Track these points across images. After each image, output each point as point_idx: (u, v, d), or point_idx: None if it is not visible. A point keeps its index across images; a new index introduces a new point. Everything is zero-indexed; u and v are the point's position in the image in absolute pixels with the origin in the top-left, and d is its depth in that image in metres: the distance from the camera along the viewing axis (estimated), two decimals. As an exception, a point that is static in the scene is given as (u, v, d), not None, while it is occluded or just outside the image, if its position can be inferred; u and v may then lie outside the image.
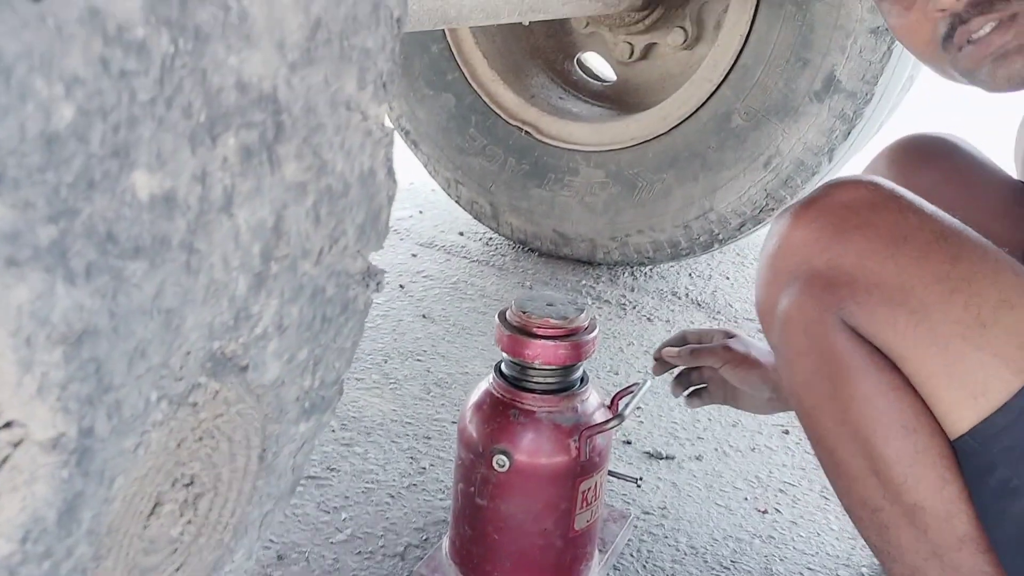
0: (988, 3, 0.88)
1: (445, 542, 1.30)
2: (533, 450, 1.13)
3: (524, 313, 1.12)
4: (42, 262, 0.40)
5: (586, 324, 1.15)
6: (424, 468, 1.59)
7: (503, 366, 1.18)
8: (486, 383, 1.19)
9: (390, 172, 0.61)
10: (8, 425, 0.43)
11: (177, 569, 0.63)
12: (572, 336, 1.12)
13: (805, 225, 0.91)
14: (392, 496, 1.50)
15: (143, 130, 0.42)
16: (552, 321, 1.11)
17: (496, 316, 1.16)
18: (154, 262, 0.45)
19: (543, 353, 1.11)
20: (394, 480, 1.54)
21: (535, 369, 1.13)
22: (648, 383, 1.27)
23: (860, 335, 0.87)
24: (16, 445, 0.43)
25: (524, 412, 1.13)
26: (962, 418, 0.83)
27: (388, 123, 0.61)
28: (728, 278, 2.62)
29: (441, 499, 1.51)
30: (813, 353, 0.89)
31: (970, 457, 0.83)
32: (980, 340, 0.81)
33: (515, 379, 1.16)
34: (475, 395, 1.20)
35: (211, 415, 0.55)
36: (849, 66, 2.13)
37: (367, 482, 1.53)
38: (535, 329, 1.11)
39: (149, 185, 0.43)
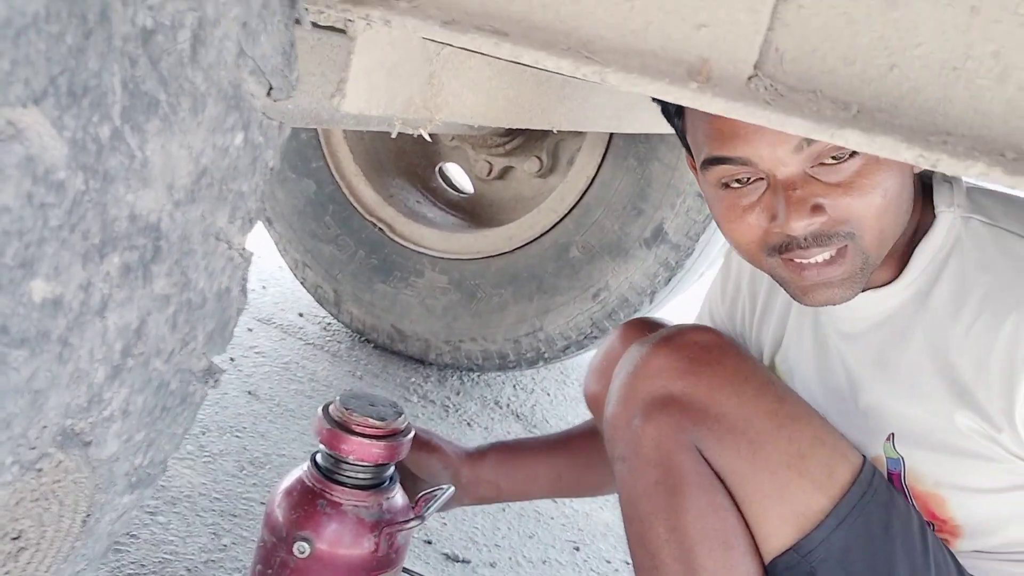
0: (827, 237, 0.89)
1: None
2: (334, 540, 1.22)
3: (346, 410, 1.22)
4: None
5: (402, 427, 1.26)
6: (225, 545, 1.63)
7: (319, 456, 1.27)
8: (299, 470, 1.27)
9: (243, 290, 0.72)
10: None
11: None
12: (388, 438, 1.22)
13: (665, 356, 1.07)
14: (188, 570, 1.53)
15: (48, 248, 0.52)
16: (371, 421, 1.22)
17: (320, 408, 1.25)
18: (34, 351, 0.54)
19: (358, 450, 1.21)
20: (193, 554, 1.57)
21: (348, 464, 1.23)
22: (452, 488, 1.38)
23: (703, 457, 1.03)
24: None
25: (332, 503, 1.22)
26: (787, 534, 1.00)
27: (248, 248, 0.73)
28: (549, 394, 2.81)
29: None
30: (660, 466, 1.04)
31: (793, 568, 1.01)
32: (801, 467, 0.99)
33: (328, 470, 1.24)
34: (287, 480, 1.27)
35: (51, 480, 0.63)
36: (676, 221, 2.41)
37: (165, 553, 1.55)
38: (354, 426, 1.21)
39: (43, 291, 0.53)
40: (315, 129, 2.66)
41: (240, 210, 0.69)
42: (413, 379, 2.60)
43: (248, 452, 1.95)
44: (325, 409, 1.25)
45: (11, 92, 0.47)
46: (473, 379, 2.73)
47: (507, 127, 2.58)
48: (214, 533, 1.65)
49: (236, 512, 1.73)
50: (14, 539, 0.65)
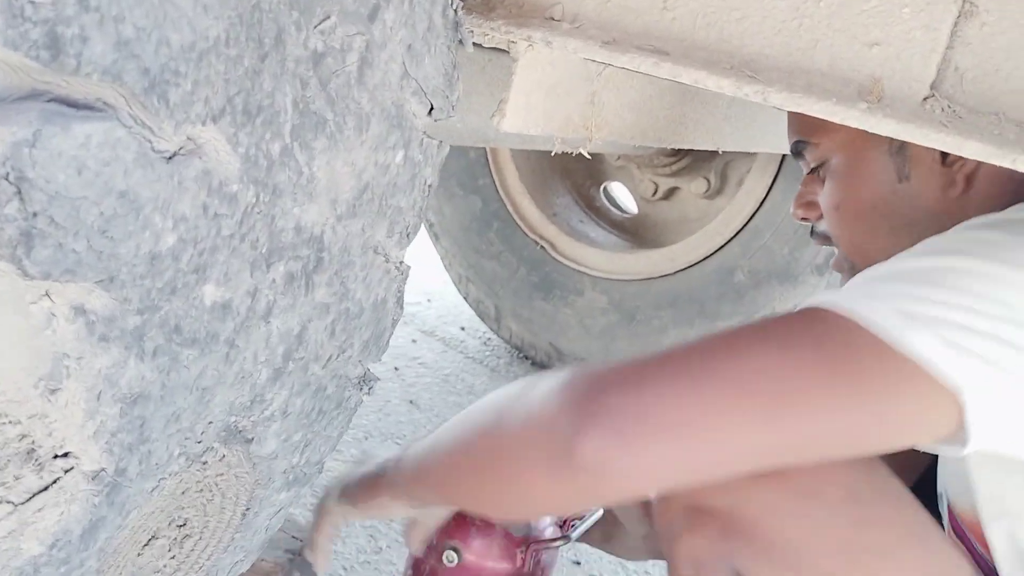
0: (821, 235, 0.93)
1: None
2: (482, 552, 1.23)
3: None
4: (124, 341, 0.53)
5: None
6: (381, 548, 1.68)
7: None
8: None
9: (399, 302, 0.75)
10: (66, 455, 0.55)
11: (155, 594, 0.74)
12: None
13: None
14: (345, 569, 1.59)
15: (220, 256, 0.56)
16: None
17: None
18: (203, 351, 0.58)
19: None
20: (350, 554, 1.64)
21: None
22: (600, 510, 1.37)
23: None
24: (67, 471, 0.56)
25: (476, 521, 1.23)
26: None
27: (404, 262, 0.75)
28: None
29: (389, 578, 1.60)
30: None
31: None
32: None
33: None
34: None
35: (214, 473, 0.67)
36: (848, 248, 2.29)
37: (326, 551, 1.62)
38: None
39: (214, 295, 0.57)
40: (484, 149, 2.73)
41: (398, 225, 0.71)
42: (569, 398, 2.60)
43: (406, 459, 2.01)
44: None
45: (192, 110, 0.51)
46: (629, 401, 2.69)
47: (670, 147, 2.55)
48: (371, 536, 1.71)
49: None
50: (180, 526, 0.70)
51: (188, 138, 0.52)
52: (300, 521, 1.60)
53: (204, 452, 0.64)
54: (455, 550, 1.22)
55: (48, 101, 0.46)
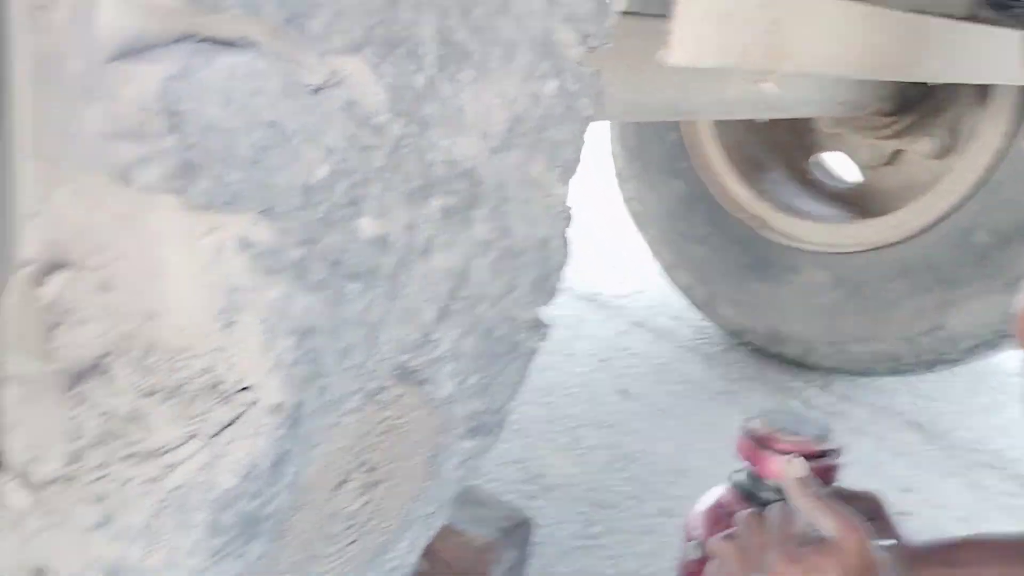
0: None
1: None
2: None
3: (777, 430, 1.11)
4: (289, 273, 0.56)
5: (835, 447, 1.13)
6: (595, 534, 1.67)
7: (739, 474, 1.17)
8: (722, 489, 1.20)
9: (564, 243, 0.73)
10: (248, 388, 0.59)
11: (350, 543, 0.77)
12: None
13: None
14: (560, 553, 1.59)
15: (373, 188, 0.57)
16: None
17: (742, 426, 1.15)
18: (366, 285, 0.60)
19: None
20: (564, 539, 1.63)
21: (769, 485, 1.11)
22: None
23: None
24: (250, 405, 0.59)
25: None
26: None
27: (567, 201, 0.73)
28: (956, 403, 2.48)
29: (608, 565, 1.58)
30: None
31: None
32: None
33: (747, 490, 1.14)
34: (709, 499, 1.20)
35: (394, 415, 0.69)
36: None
37: (539, 536, 1.63)
38: (778, 444, 1.09)
39: (371, 228, 0.58)
40: (679, 130, 2.66)
41: (557, 159, 0.69)
42: (793, 384, 2.46)
43: (620, 447, 1.99)
44: (750, 428, 1.18)
45: (333, 41, 0.53)
46: (861, 384, 2.51)
47: (863, 77, 2.33)
48: (586, 521, 1.70)
49: (607, 503, 1.77)
50: (369, 471, 0.72)
51: (331, 69, 0.53)
52: (510, 501, 1.62)
53: (379, 390, 0.65)
54: None
55: (197, 42, 0.49)
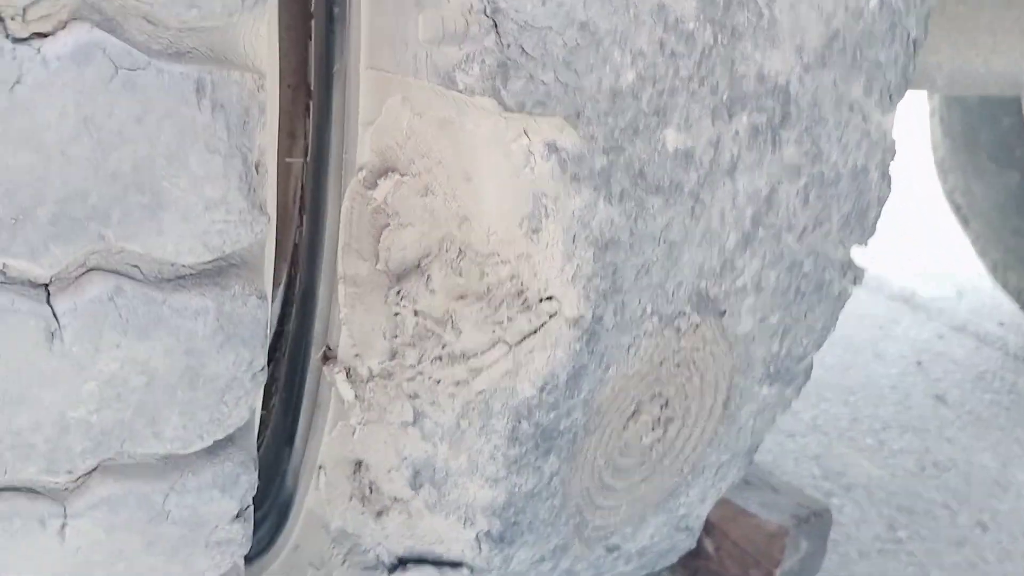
0: None
1: None
2: None
3: None
4: (593, 182, 0.56)
5: None
6: (901, 539, 1.53)
7: None
8: None
9: (884, 175, 0.68)
10: (550, 298, 0.60)
11: (642, 480, 0.77)
12: None
13: None
14: (860, 553, 1.48)
15: (679, 99, 0.57)
16: None
17: None
18: (668, 201, 0.59)
19: None
20: (866, 540, 1.52)
21: None
22: None
23: None
24: (551, 316, 0.61)
25: None
26: None
27: (892, 134, 0.67)
28: None
29: (912, 573, 1.44)
30: None
31: None
32: None
33: None
34: None
35: (690, 346, 0.67)
36: None
37: (836, 534, 1.52)
38: None
39: (675, 141, 0.58)
40: (1020, 113, 2.36)
41: (877, 81, 0.64)
42: None
43: (931, 454, 1.81)
44: None
45: (645, -55, 0.53)
46: None
47: None
48: (889, 525, 1.57)
49: (915, 509, 1.61)
50: (662, 406, 0.71)
51: (644, -28, 0.53)
52: (802, 489, 1.53)
53: (676, 315, 0.64)
54: None
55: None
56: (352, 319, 0.66)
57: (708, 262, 0.63)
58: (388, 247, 0.62)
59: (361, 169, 0.62)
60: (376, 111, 0.60)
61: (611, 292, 0.60)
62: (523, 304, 0.61)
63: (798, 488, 1.43)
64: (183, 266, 0.50)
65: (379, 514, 0.73)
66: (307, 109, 0.68)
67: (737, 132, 0.60)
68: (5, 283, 0.46)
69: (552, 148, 0.55)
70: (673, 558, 0.89)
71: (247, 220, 0.51)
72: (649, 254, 0.60)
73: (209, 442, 0.56)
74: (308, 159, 0.68)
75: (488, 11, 0.51)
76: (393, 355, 0.65)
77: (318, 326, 0.68)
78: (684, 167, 0.59)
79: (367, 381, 0.67)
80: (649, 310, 0.63)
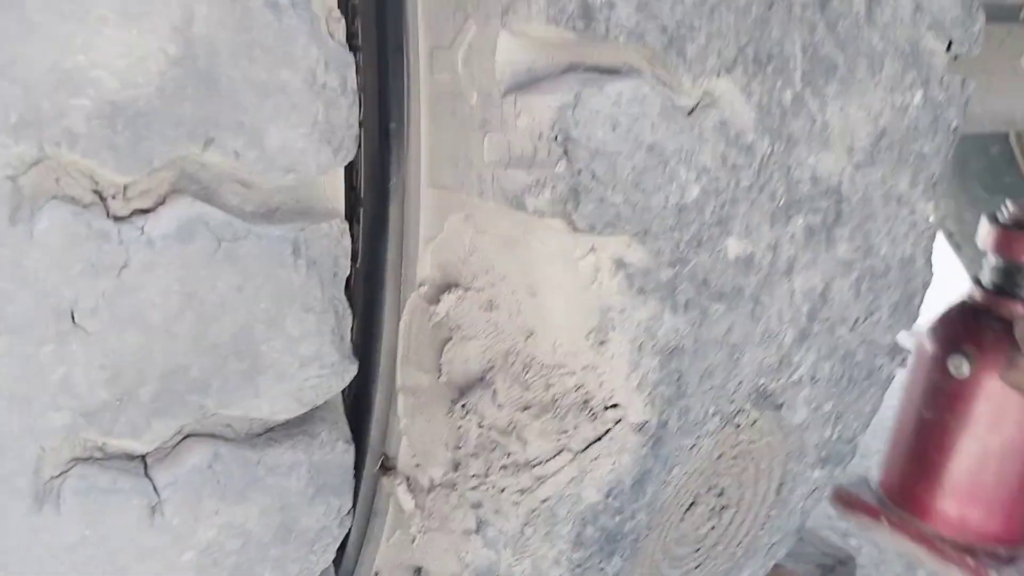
0: None
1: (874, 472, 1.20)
2: (1000, 361, 1.01)
3: None
4: (659, 293, 0.57)
5: None
6: (920, 578, 1.53)
7: (986, 272, 1.08)
8: (963, 294, 1.11)
9: (928, 261, 0.69)
10: (615, 406, 0.60)
11: (696, 567, 0.77)
12: None
13: None
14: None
15: (740, 208, 0.57)
16: None
17: (985, 216, 1.07)
18: (730, 306, 0.59)
19: None
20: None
21: None
22: None
23: None
24: (616, 422, 0.61)
25: (1000, 319, 1.02)
26: None
27: (932, 218, 0.69)
28: None
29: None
30: None
31: None
32: None
33: (998, 284, 1.04)
34: (945, 305, 1.11)
35: (747, 439, 0.67)
36: None
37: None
38: None
39: (737, 248, 0.58)
40: (1008, 144, 2.40)
41: (922, 173, 0.65)
42: None
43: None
44: (992, 217, 1.07)
45: (707, 63, 0.54)
46: None
47: None
48: (908, 564, 1.57)
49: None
50: (718, 495, 0.71)
51: (705, 91, 0.54)
52: (828, 537, 1.53)
53: (736, 413, 0.65)
54: (965, 356, 1.02)
55: (583, 71, 0.52)
56: (412, 429, 0.65)
57: (767, 359, 0.64)
58: (451, 360, 0.62)
59: (422, 284, 0.62)
60: (437, 227, 0.60)
61: (676, 397, 0.60)
62: (589, 413, 0.61)
63: (821, 536, 1.43)
64: (274, 421, 0.50)
65: (437, 617, 0.72)
66: (355, 216, 0.68)
67: (793, 234, 0.61)
68: (104, 460, 0.45)
69: (620, 264, 0.55)
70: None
71: (339, 371, 0.50)
72: (712, 358, 0.61)
73: (297, 588, 0.56)
74: (357, 265, 0.68)
75: (559, 139, 0.51)
76: (456, 466, 0.64)
77: (374, 435, 0.67)
78: (745, 272, 0.59)
79: (428, 491, 0.66)
80: (711, 411, 0.63)
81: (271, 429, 0.50)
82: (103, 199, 0.41)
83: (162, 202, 0.42)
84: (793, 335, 0.64)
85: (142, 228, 0.41)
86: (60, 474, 0.44)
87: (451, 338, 0.62)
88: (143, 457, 0.46)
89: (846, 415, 0.71)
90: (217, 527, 0.48)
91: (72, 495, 0.43)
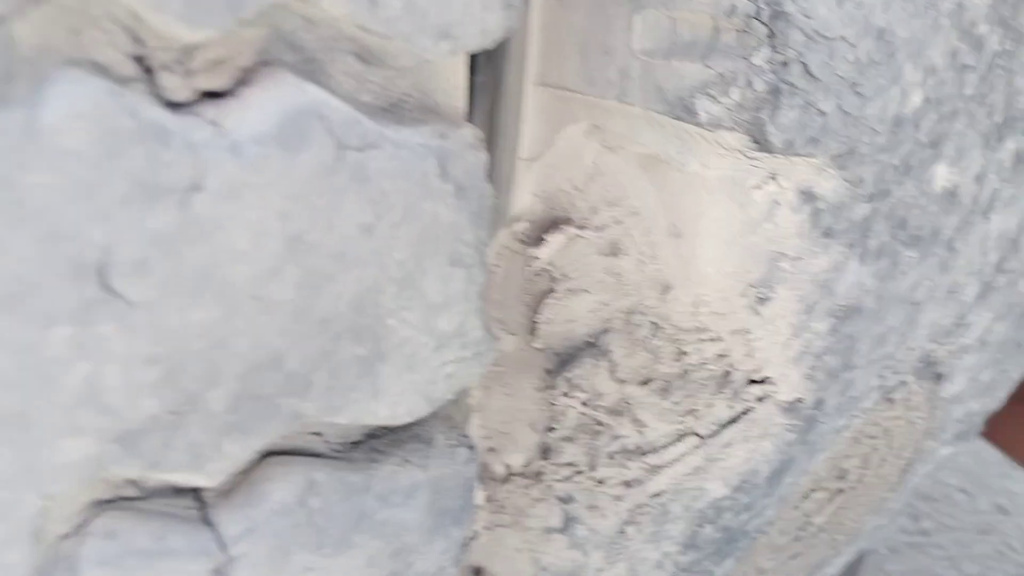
0: None
1: None
2: None
3: None
4: (848, 237, 0.42)
5: None
6: (927, 530, 1.48)
7: None
8: None
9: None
10: (763, 380, 0.46)
11: (792, 557, 0.65)
12: None
13: None
14: (891, 550, 1.42)
15: (957, 124, 0.43)
16: None
17: None
18: (923, 254, 0.45)
19: None
20: (893, 535, 1.46)
21: None
22: None
23: None
24: (760, 400, 0.47)
25: None
26: None
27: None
28: None
29: (945, 567, 1.39)
30: None
31: None
32: None
33: None
34: None
35: (892, 415, 0.55)
36: None
37: (859, 524, 1.47)
38: None
39: (944, 178, 0.44)
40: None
41: None
42: None
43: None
44: None
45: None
46: None
47: None
48: (913, 516, 1.51)
49: (933, 495, 1.56)
50: (838, 478, 0.59)
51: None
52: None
53: (896, 387, 0.52)
54: None
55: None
56: (488, 405, 0.50)
57: (943, 320, 0.50)
58: (551, 319, 0.47)
59: (518, 220, 0.46)
60: (545, 142, 0.44)
61: (841, 369, 0.47)
62: (728, 389, 0.47)
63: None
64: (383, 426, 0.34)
65: (495, 625, 0.59)
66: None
67: (1002, 162, 0.47)
68: (142, 501, 0.28)
69: (807, 197, 0.41)
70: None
71: (481, 352, 0.35)
72: (891, 320, 0.47)
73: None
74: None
75: (764, 16, 0.35)
76: (545, 452, 0.50)
77: (431, 408, 0.52)
78: (947, 210, 0.45)
79: (503, 481, 0.52)
80: (874, 384, 0.50)
81: (375, 437, 0.34)
82: (150, 71, 0.24)
83: (243, 81, 0.25)
84: (976, 290, 0.50)
85: (218, 123, 0.25)
86: (76, 529, 0.27)
87: (553, 291, 0.46)
88: (196, 491, 0.30)
89: (997, 384, 0.59)
90: (307, 590, 0.32)
91: (95, 567, 0.26)
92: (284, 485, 0.31)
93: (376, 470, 0.34)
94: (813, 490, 0.58)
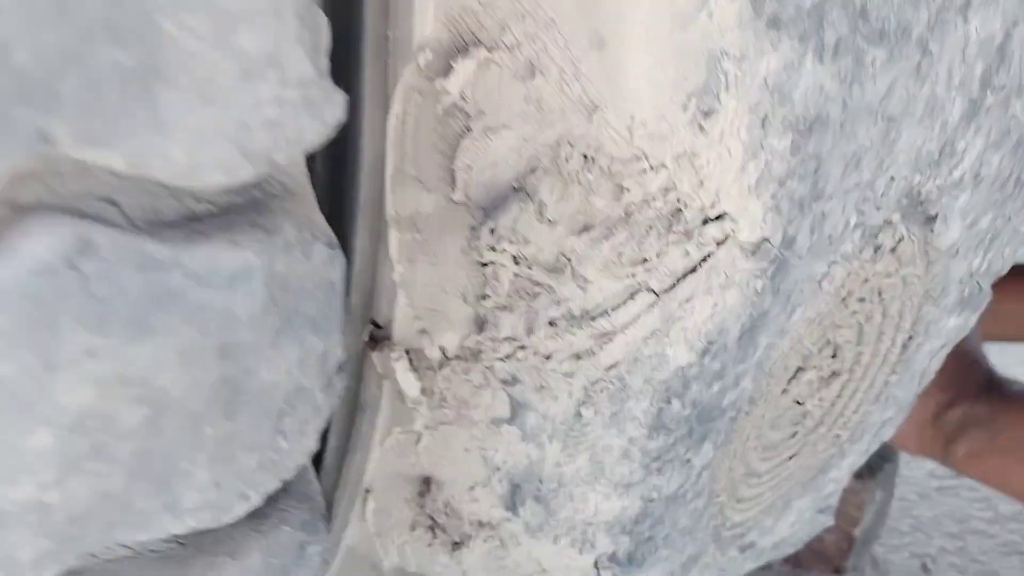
0: None
1: None
2: None
3: None
4: (799, 27, 0.36)
5: None
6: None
7: None
8: None
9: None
10: (719, 217, 0.40)
11: (790, 457, 0.58)
12: None
13: None
14: (920, 495, 1.35)
15: None
16: None
17: None
18: (892, 54, 0.39)
19: None
20: (921, 480, 1.38)
21: None
22: None
23: None
24: (720, 243, 0.41)
25: None
26: None
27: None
28: None
29: (976, 508, 1.32)
30: None
31: None
32: None
33: None
34: None
35: (882, 271, 0.48)
36: None
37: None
38: None
39: (907, -44, 0.38)
40: None
41: None
42: None
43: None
44: None
45: None
46: None
47: None
48: (936, 457, 1.44)
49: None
50: (831, 356, 0.52)
51: None
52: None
53: (881, 227, 0.45)
54: None
55: None
56: (413, 280, 0.44)
57: (927, 145, 0.44)
58: (469, 164, 0.41)
59: (422, 49, 0.40)
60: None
61: (810, 199, 0.41)
62: (680, 230, 0.41)
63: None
64: (198, 199, 0.28)
65: (456, 545, 0.53)
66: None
67: (978, -56, 0.41)
68: None
69: (743, -27, 0.35)
70: (800, 545, 0.71)
71: (314, 99, 0.28)
72: (863, 137, 0.41)
73: (257, 501, 0.35)
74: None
75: None
76: (481, 325, 0.44)
77: (355, 297, 0.46)
78: (915, 1, 0.39)
79: (440, 367, 0.46)
80: (853, 222, 0.44)
81: (197, 219, 0.28)
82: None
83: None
84: (961, 108, 0.44)
85: None
86: None
87: (470, 130, 0.40)
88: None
89: (1002, 235, 0.52)
90: (95, 382, 0.26)
91: None
92: (45, 239, 0.25)
93: (188, 247, 0.27)
94: (802, 368, 0.52)
